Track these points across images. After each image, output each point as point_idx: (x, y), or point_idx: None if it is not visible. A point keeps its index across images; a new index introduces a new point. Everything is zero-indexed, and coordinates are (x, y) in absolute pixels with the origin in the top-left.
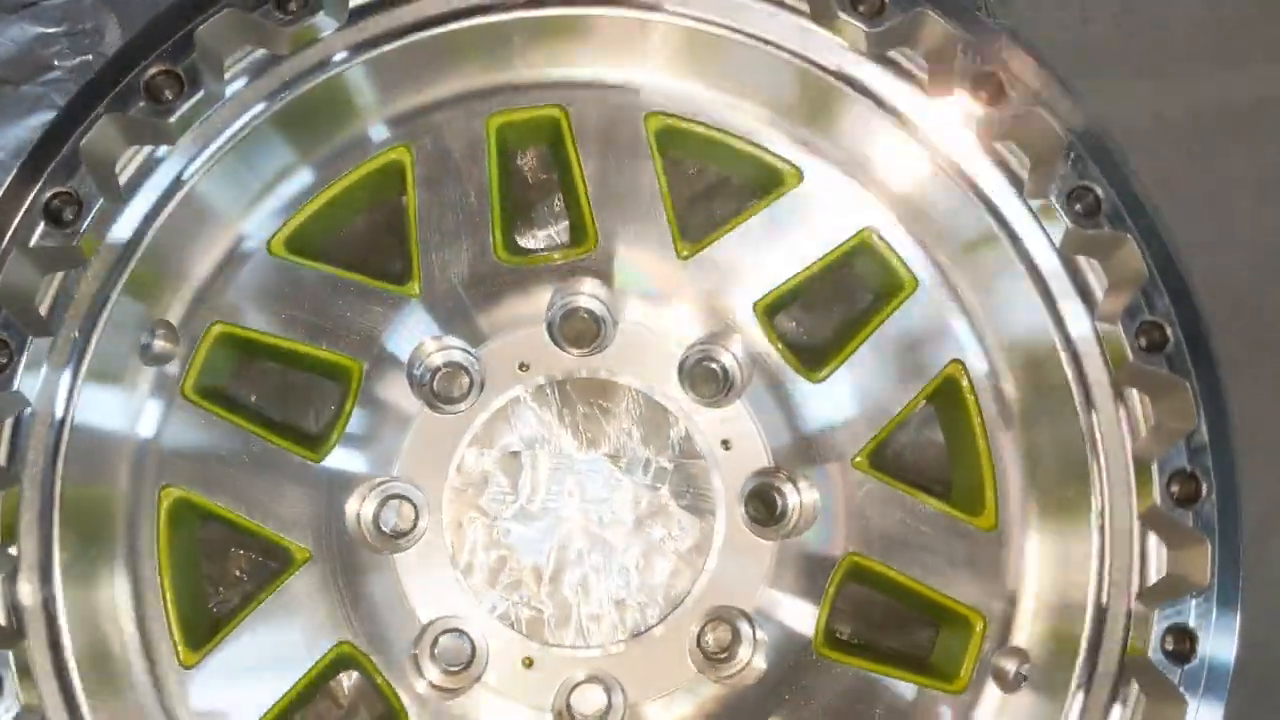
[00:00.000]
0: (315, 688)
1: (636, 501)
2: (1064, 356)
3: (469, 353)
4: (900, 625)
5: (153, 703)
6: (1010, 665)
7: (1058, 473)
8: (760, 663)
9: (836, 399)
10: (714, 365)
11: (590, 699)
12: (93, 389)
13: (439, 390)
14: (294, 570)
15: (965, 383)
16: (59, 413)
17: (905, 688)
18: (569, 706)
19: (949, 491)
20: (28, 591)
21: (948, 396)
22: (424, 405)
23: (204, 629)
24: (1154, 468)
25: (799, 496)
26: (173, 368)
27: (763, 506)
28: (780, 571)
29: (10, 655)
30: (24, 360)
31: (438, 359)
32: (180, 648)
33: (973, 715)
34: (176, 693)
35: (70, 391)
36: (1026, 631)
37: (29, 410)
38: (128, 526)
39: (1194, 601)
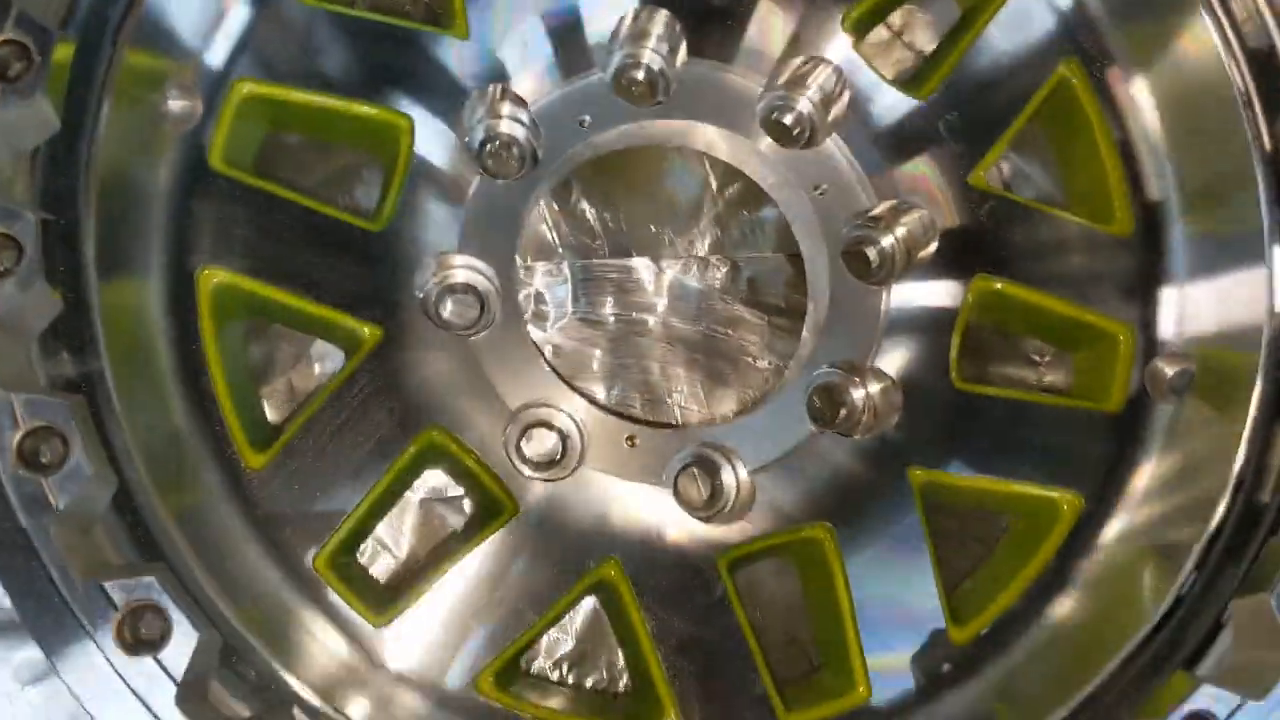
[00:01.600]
0: (405, 480)
1: (725, 269)
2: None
3: (519, 120)
4: (1042, 351)
5: (227, 507)
6: (1170, 370)
7: (1203, 162)
8: (890, 410)
9: (943, 116)
10: (796, 108)
11: (702, 471)
12: (114, 147)
13: (495, 156)
14: (364, 351)
15: (1079, 81)
16: (82, 160)
17: (1059, 414)
18: (677, 481)
19: (1076, 202)
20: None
21: (1063, 98)
22: (480, 171)
23: (269, 429)
24: None
25: (910, 229)
26: (197, 133)
27: (870, 251)
28: (901, 311)
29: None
30: (48, 69)
31: (491, 124)
32: (245, 450)
33: (1139, 432)
34: (249, 496)
35: (91, 138)
36: (1183, 337)
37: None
38: (170, 322)
39: None
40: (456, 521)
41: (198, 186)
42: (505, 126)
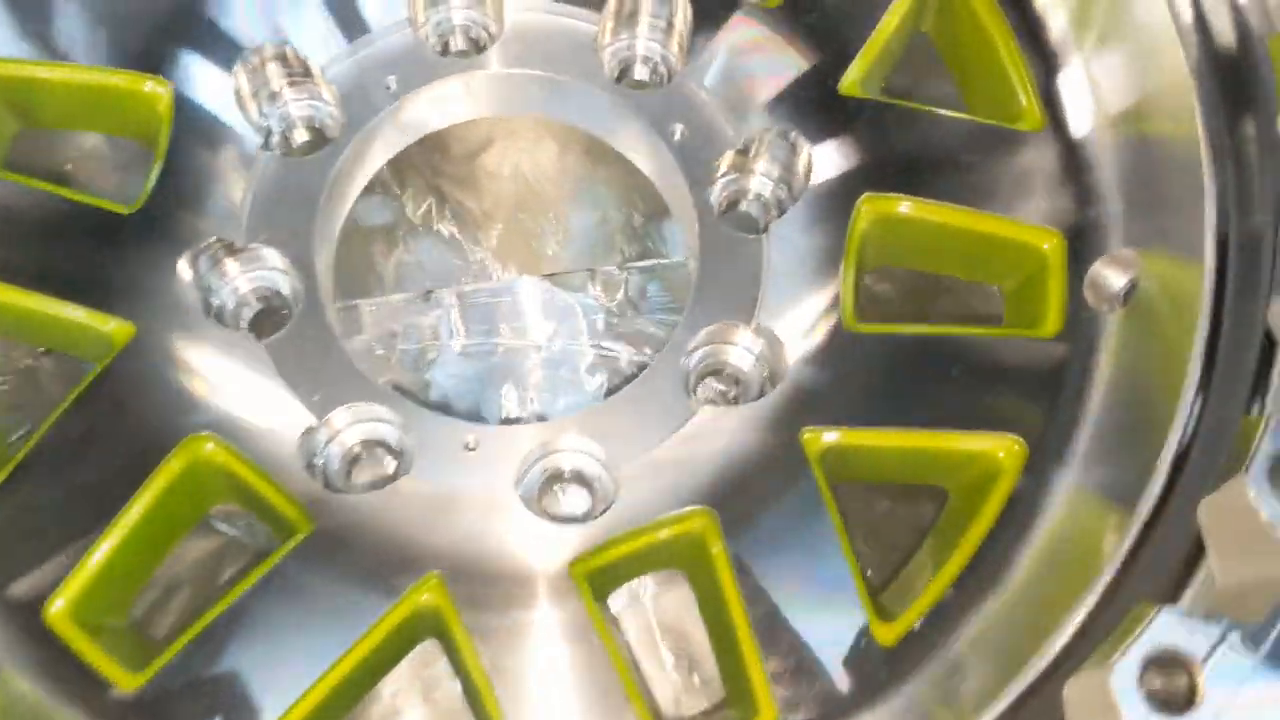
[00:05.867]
0: (166, 505)
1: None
2: None
3: (304, 89)
4: (953, 281)
5: None
6: (1114, 276)
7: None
8: (777, 370)
9: (803, 19)
10: (642, 53)
11: (564, 478)
12: None
13: (279, 133)
14: (114, 353)
15: None
16: None
17: (984, 347)
18: (534, 493)
19: (976, 100)
20: None
21: None
22: (265, 146)
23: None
24: None
25: (785, 162)
26: None
27: (747, 203)
28: (779, 260)
29: None
30: None
31: (270, 96)
32: None
33: (1081, 353)
34: None
35: None
36: (1123, 236)
37: None
38: None
39: None
40: (232, 549)
41: None
42: (289, 99)
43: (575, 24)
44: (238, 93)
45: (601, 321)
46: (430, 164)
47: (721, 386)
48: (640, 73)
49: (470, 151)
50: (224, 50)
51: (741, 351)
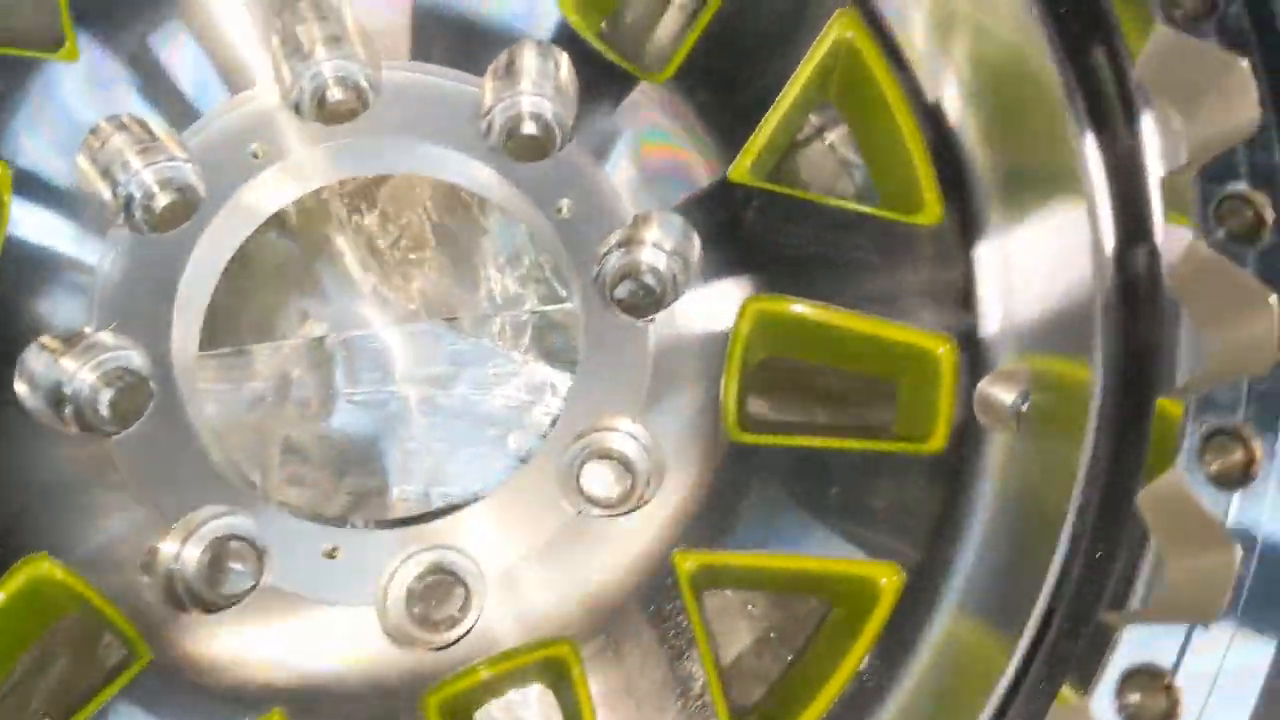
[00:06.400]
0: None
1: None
2: None
3: (154, 155)
4: (837, 387)
5: None
6: (1003, 393)
7: (1029, 134)
8: (658, 477)
9: (694, 99)
10: (529, 111)
11: (432, 589)
12: None
13: (139, 201)
14: None
15: (862, 40)
16: None
17: (869, 463)
18: (396, 601)
19: (872, 194)
20: None
21: (846, 67)
22: (121, 224)
23: None
24: None
25: (677, 247)
26: None
27: (636, 281)
28: (666, 351)
29: None
30: None
31: (122, 166)
32: None
33: (968, 473)
34: None
35: None
36: (1014, 347)
37: None
38: None
39: None
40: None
41: None
42: (141, 166)
43: (455, 86)
44: (85, 175)
45: (504, 368)
46: (328, 203)
47: (607, 467)
48: (529, 128)
49: (369, 191)
50: (68, 132)
51: (625, 437)
